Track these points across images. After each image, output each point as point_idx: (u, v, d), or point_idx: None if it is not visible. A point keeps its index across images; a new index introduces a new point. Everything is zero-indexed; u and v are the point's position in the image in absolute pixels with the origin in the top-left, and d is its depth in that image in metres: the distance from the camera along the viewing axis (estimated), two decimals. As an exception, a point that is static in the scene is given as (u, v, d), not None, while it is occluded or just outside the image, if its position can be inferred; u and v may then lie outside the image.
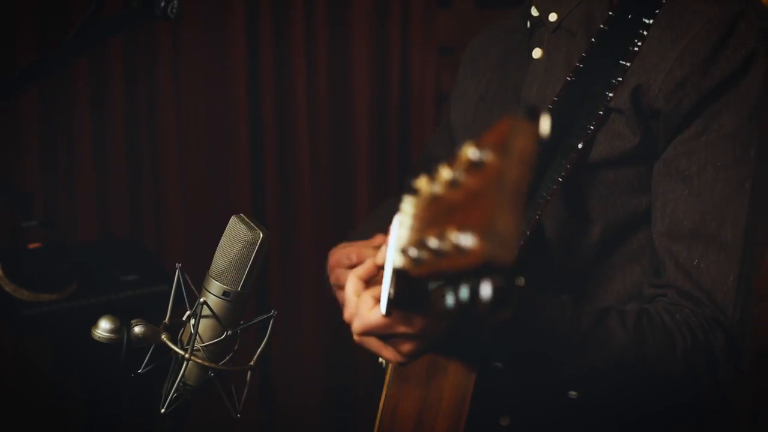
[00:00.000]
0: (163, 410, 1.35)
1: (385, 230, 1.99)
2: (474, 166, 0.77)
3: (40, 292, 2.21)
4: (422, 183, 0.91)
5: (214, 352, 1.35)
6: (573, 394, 1.48)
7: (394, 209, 2.07)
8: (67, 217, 2.94)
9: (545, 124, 0.77)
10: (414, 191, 0.94)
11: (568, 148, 1.44)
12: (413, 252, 0.88)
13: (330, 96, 3.37)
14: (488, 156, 0.75)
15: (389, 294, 1.14)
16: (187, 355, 1.33)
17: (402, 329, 1.21)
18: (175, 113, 3.12)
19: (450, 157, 0.84)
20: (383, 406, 1.47)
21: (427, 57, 3.49)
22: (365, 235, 1.89)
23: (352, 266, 1.66)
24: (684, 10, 1.44)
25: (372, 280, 1.29)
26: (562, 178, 1.43)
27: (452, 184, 0.82)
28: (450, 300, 0.83)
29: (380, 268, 1.29)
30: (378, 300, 1.21)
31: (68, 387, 2.80)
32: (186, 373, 1.34)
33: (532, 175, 0.73)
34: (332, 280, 1.71)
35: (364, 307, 1.23)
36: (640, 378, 1.41)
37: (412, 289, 1.13)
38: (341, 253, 1.67)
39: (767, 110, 1.42)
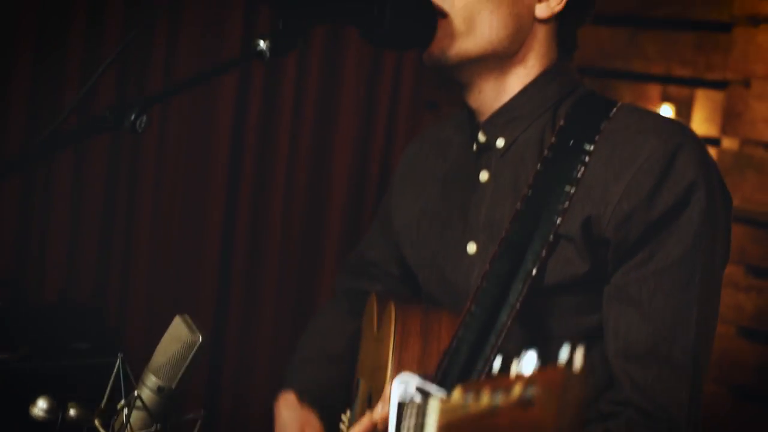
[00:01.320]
0: (86, 492, 1.40)
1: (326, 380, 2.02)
2: (522, 402, 0.88)
3: (-9, 351, 2.26)
4: (457, 394, 0.98)
5: (142, 442, 1.41)
6: None
7: (327, 342, 2.05)
8: (35, 276, 2.97)
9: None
10: (445, 396, 1.01)
11: (525, 274, 1.52)
12: None
13: (313, 140, 3.48)
14: (540, 396, 0.87)
15: None
16: (115, 444, 1.39)
17: None
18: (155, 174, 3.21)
19: (493, 379, 0.95)
20: None
21: (414, 111, 3.62)
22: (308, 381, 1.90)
23: None
24: (625, 142, 1.52)
25: None
26: (519, 303, 1.51)
27: (493, 410, 0.91)
28: None
29: (376, 426, 1.43)
30: None
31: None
32: (113, 459, 1.40)
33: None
34: None
35: None
36: None
37: None
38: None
39: (708, 236, 1.52)
